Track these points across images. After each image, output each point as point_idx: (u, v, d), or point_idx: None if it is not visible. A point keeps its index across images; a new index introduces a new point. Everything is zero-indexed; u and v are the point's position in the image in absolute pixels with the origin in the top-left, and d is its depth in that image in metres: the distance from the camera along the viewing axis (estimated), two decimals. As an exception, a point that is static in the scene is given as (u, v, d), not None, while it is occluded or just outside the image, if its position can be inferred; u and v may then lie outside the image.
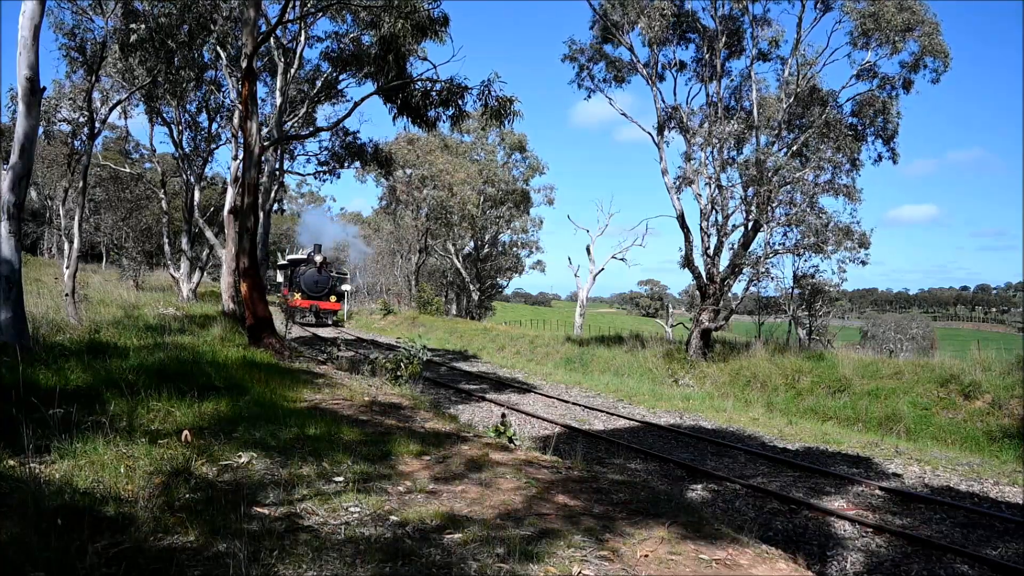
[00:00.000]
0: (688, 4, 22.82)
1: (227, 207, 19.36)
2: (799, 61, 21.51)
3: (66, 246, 18.03)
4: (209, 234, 25.05)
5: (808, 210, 19.76)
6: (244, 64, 14.16)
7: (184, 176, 27.35)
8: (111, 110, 20.08)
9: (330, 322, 37.55)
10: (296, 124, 23.69)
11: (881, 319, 45.61)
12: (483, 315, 50.78)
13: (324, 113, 56.78)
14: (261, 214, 19.10)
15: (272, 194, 24.96)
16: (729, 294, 21.64)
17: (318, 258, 37.46)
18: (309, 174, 29.37)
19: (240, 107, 15.30)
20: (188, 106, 25.35)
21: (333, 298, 38.09)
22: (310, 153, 27.97)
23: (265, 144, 16.95)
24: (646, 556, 3.96)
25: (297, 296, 36.13)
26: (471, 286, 50.20)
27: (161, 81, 19.51)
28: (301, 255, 42.68)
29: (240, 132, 16.49)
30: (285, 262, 43.01)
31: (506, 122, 15.11)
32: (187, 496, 4.13)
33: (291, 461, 5.12)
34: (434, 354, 20.88)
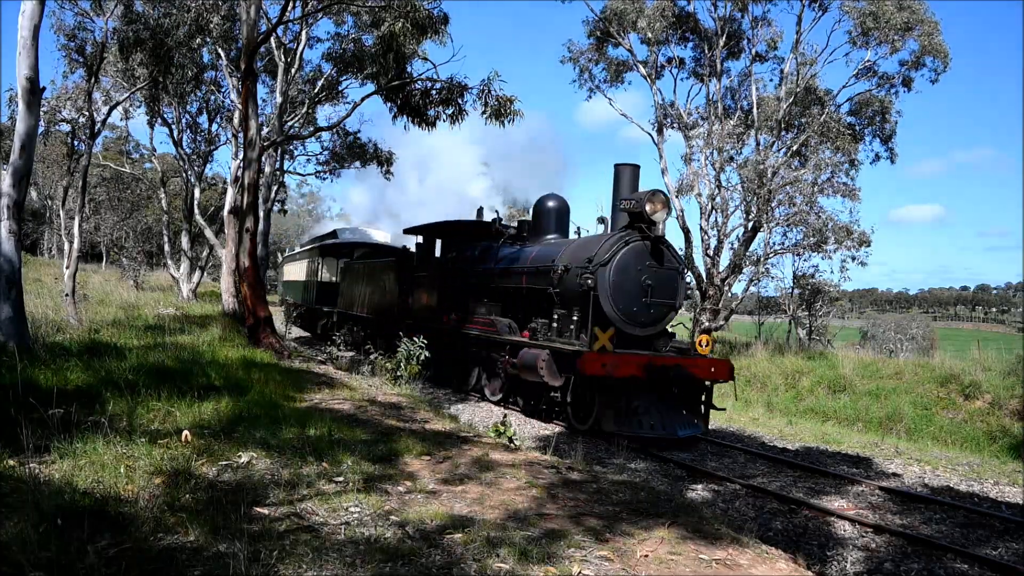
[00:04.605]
0: (688, 6, 22.87)
1: (227, 207, 19.37)
2: (798, 60, 21.55)
3: (66, 246, 18.03)
4: (209, 234, 25.06)
5: (808, 210, 19.79)
6: (244, 64, 14.17)
7: (184, 176, 27.36)
8: (111, 110, 20.09)
9: (701, 431, 10.75)
10: (297, 124, 23.70)
11: (881, 319, 45.55)
12: (483, 315, 50.51)
13: (325, 113, 56.77)
14: (261, 214, 19.10)
15: (272, 194, 24.95)
16: (729, 294, 21.66)
17: (654, 210, 10.51)
18: (310, 174, 29.52)
19: (240, 107, 15.30)
20: (188, 107, 25.38)
21: (703, 340, 11.07)
22: (311, 153, 28.09)
23: (265, 144, 16.96)
24: (646, 556, 3.96)
25: (603, 337, 10.04)
26: (471, 286, 50.08)
27: (161, 82, 19.53)
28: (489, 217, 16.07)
29: (240, 132, 16.51)
30: (388, 241, 20.65)
31: (506, 122, 15.09)
32: (187, 496, 4.12)
33: (291, 461, 5.12)
34: (434, 354, 20.68)
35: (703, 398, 10.65)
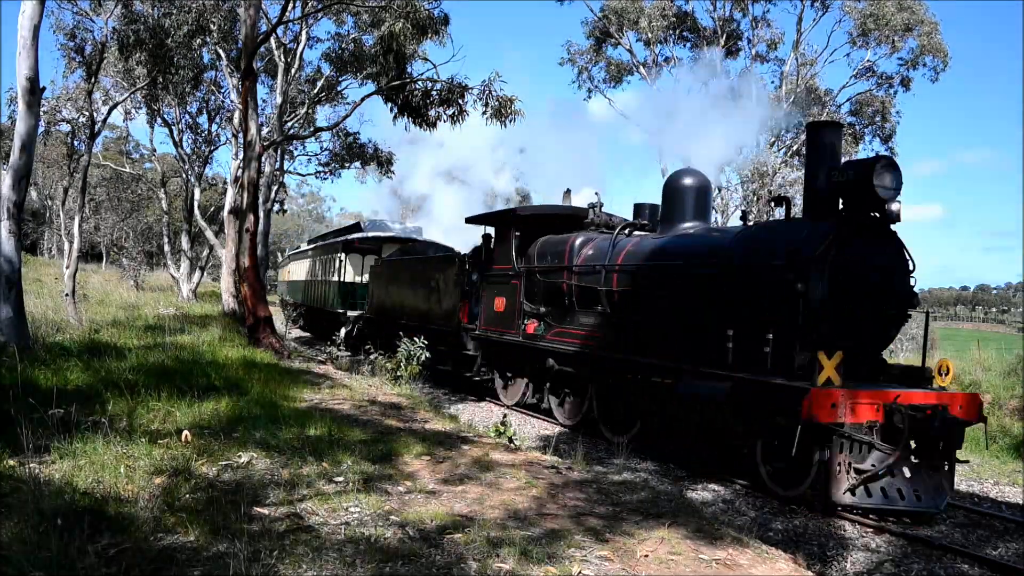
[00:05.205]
0: (687, 5, 22.93)
1: (227, 207, 19.38)
2: (799, 61, 21.57)
3: (66, 246, 18.07)
4: (209, 234, 25.09)
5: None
6: (244, 64, 14.18)
7: (184, 176, 27.40)
8: (111, 110, 20.10)
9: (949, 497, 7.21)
10: (297, 124, 23.72)
11: (881, 319, 45.51)
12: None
13: (324, 113, 56.53)
14: (261, 214, 19.11)
15: (272, 194, 24.95)
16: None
17: (884, 185, 7.25)
18: (309, 174, 29.49)
19: (240, 107, 15.31)
20: (188, 107, 25.42)
21: (943, 365, 7.49)
22: (310, 153, 28.05)
23: (265, 144, 16.98)
24: (647, 556, 3.96)
25: (829, 365, 6.69)
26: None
27: (161, 82, 19.55)
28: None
29: (240, 132, 16.52)
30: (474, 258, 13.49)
31: (507, 122, 15.07)
32: (187, 496, 4.13)
33: (291, 461, 5.12)
34: (435, 354, 20.54)
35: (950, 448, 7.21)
